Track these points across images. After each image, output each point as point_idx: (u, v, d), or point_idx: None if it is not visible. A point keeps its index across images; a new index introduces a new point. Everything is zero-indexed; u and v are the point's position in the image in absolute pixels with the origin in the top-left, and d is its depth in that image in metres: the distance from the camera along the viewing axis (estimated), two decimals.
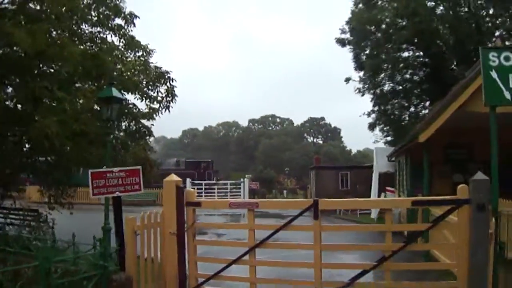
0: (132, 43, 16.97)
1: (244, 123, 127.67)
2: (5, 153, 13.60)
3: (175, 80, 16.98)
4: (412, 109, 39.47)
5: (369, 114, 40.88)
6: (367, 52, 37.98)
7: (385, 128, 41.16)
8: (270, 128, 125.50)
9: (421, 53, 36.22)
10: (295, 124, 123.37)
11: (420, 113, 39.00)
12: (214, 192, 46.76)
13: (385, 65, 36.66)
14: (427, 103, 38.51)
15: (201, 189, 46.42)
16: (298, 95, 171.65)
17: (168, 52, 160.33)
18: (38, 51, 12.38)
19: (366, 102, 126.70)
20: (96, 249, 7.97)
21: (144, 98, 16.69)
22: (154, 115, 17.27)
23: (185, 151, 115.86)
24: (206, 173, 55.01)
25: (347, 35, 39.70)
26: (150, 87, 16.74)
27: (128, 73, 16.12)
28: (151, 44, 17.32)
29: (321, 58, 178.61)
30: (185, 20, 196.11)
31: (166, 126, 73.74)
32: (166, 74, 16.89)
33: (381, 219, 25.33)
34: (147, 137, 17.55)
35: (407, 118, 39.29)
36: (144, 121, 17.37)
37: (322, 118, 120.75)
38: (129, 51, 17.23)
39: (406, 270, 8.19)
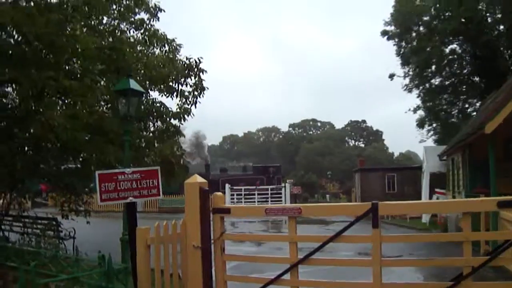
0: (156, 37, 15.54)
1: (284, 128, 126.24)
2: (8, 156, 12.15)
3: (206, 72, 15.44)
4: (460, 105, 37.31)
5: (415, 111, 39.19)
6: (413, 44, 35.91)
7: (433, 125, 39.13)
8: (311, 132, 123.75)
9: (469, 44, 33.84)
10: (336, 128, 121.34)
11: (468, 110, 37.00)
12: (254, 198, 45.14)
13: (432, 59, 34.53)
14: (475, 100, 36.55)
15: (241, 194, 45.05)
16: (338, 99, 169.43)
17: (207, 61, 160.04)
18: (46, 41, 11.02)
19: (408, 103, 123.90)
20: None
21: (170, 93, 15.18)
22: (186, 116, 15.77)
23: (226, 158, 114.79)
24: (276, 178, 53.02)
25: (392, 27, 38.03)
26: (178, 79, 15.20)
27: (153, 65, 14.60)
28: (191, 51, 15.87)
29: (360, 62, 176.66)
30: (221, 29, 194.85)
31: (206, 133, 72.83)
32: (195, 64, 15.31)
33: (433, 223, 23.36)
34: (176, 137, 16.03)
35: (455, 115, 37.21)
36: (175, 122, 15.90)
37: (364, 121, 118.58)
38: (155, 45, 15.81)
39: None
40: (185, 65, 15.22)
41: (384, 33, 38.28)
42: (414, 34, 35.88)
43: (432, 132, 39.96)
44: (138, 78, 13.62)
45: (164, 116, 15.61)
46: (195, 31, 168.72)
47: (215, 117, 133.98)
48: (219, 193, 7.39)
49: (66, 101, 12.86)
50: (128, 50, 13.87)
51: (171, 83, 15.08)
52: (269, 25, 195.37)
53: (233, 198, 44.50)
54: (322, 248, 6.43)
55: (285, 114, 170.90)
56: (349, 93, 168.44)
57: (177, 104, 15.73)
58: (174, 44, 15.96)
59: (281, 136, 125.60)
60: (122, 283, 6.87)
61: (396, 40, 37.44)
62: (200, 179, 7.24)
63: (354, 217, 6.32)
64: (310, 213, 6.87)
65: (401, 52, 37.09)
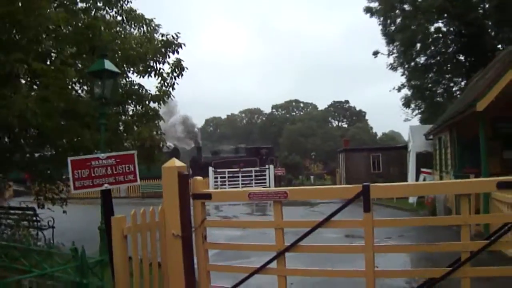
0: (132, 16, 14.95)
1: (267, 109, 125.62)
2: None
3: (184, 45, 14.84)
4: (445, 84, 36.98)
5: (399, 89, 38.80)
6: (397, 22, 35.41)
7: (417, 104, 38.78)
8: (294, 113, 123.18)
9: (455, 22, 33.32)
10: (319, 109, 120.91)
11: (453, 88, 36.73)
12: (238, 181, 44.77)
13: (417, 37, 34.09)
14: (460, 79, 36.26)
15: (224, 177, 44.60)
16: (321, 80, 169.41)
17: (190, 43, 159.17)
18: (11, 20, 10.43)
19: (392, 83, 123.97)
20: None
21: (148, 73, 14.62)
22: (165, 98, 15.25)
23: (209, 140, 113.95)
24: (269, 159, 52.05)
25: (375, 4, 37.31)
26: (156, 58, 14.62)
27: (130, 45, 14.00)
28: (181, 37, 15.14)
29: (344, 45, 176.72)
30: (206, 12, 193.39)
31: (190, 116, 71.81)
32: (174, 41, 14.72)
33: (421, 204, 23.09)
34: (156, 121, 15.46)
35: (440, 94, 36.90)
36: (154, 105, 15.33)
37: (347, 102, 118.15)
38: (132, 25, 15.21)
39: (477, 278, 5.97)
40: (163, 42, 14.60)
41: (367, 10, 37.54)
42: (398, 11, 35.31)
43: (417, 111, 39.61)
44: (115, 59, 13.03)
45: (143, 98, 15.07)
46: (179, 13, 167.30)
47: (198, 99, 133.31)
48: (199, 177, 6.90)
49: (36, 84, 12.23)
50: (103, 28, 13.26)
51: (148, 62, 14.51)
52: (254, 9, 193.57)
53: (216, 181, 44.04)
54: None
55: (268, 96, 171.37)
56: (332, 74, 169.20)
57: (156, 87, 15.21)
58: (153, 25, 15.36)
59: (264, 118, 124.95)
60: (98, 277, 6.41)
61: (381, 18, 36.79)
62: (178, 162, 6.78)
63: (341, 199, 5.92)
64: (296, 197, 6.44)
65: (386, 30, 36.53)
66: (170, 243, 6.61)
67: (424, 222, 7.62)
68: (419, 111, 39.36)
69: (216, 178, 44.07)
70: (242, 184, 44.18)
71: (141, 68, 14.47)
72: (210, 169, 43.75)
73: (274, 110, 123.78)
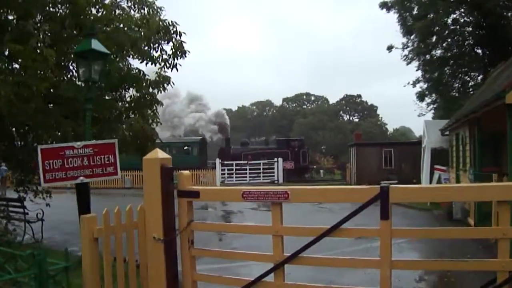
0: None
1: (278, 102, 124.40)
2: None
3: (185, 34, 13.76)
4: (462, 78, 35.63)
5: (414, 84, 37.51)
6: (415, 13, 34.10)
7: (433, 99, 37.51)
8: (305, 106, 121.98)
9: (474, 13, 31.96)
10: (330, 103, 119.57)
11: (470, 83, 35.42)
12: (246, 173, 43.78)
13: (435, 28, 32.84)
14: (477, 74, 35.02)
15: (232, 170, 43.63)
16: (333, 74, 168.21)
17: (204, 38, 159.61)
18: None
19: (405, 78, 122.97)
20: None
21: (144, 59, 13.53)
22: (166, 85, 14.20)
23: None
24: (301, 152, 50.27)
25: None
26: (152, 44, 13.52)
27: (124, 29, 12.90)
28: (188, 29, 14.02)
29: (356, 40, 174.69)
30: (220, 6, 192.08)
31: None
32: (172, 28, 13.61)
33: (435, 204, 21.96)
34: (154, 108, 14.37)
35: (456, 88, 35.62)
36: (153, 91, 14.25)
37: (359, 96, 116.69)
38: (132, 8, 14.09)
39: None
40: (160, 27, 13.47)
41: (383, 5, 36.30)
42: (415, 3, 34.02)
43: (431, 106, 38.36)
44: (109, 41, 11.98)
45: (143, 84, 14.02)
46: (194, 8, 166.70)
47: (210, 92, 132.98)
48: (186, 172, 5.87)
49: (12, 68, 11.16)
50: (96, 7, 12.22)
51: (146, 48, 13.44)
52: (268, 3, 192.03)
53: (223, 173, 43.08)
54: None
55: (280, 89, 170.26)
56: (345, 69, 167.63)
57: (156, 72, 14.16)
58: (155, 7, 14.27)
59: (275, 111, 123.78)
60: (61, 285, 5.41)
61: (397, 8, 35.44)
62: (162, 154, 5.77)
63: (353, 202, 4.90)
64: (300, 198, 5.38)
65: (402, 20, 35.17)
66: (151, 248, 5.66)
67: (456, 234, 6.14)
68: (434, 106, 38.10)
69: (223, 170, 43.08)
70: (250, 176, 43.24)
71: (134, 53, 13.36)
72: (217, 161, 42.78)
73: (285, 103, 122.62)
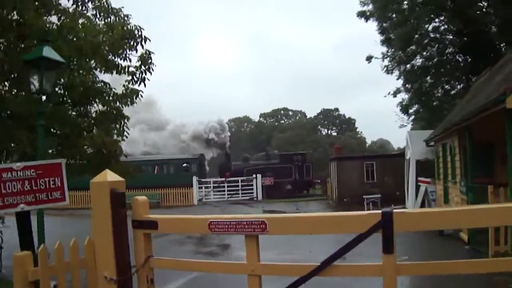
0: (97, 6, 12.79)
1: (255, 118, 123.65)
2: None
3: (149, 40, 12.71)
4: (444, 86, 34.94)
5: (395, 94, 36.72)
6: (394, 20, 33.36)
7: (416, 108, 36.70)
8: (283, 121, 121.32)
9: (455, 20, 31.18)
10: (308, 117, 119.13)
11: (452, 92, 34.74)
12: (224, 191, 42.73)
13: (416, 35, 32.16)
14: (457, 83, 34.43)
15: (209, 187, 42.49)
16: (310, 89, 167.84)
17: (181, 52, 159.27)
18: None
19: (382, 91, 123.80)
20: None
21: (108, 69, 12.47)
22: (134, 98, 13.17)
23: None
24: (304, 166, 48.96)
25: (369, 7, 35.23)
26: (117, 52, 12.44)
27: (86, 36, 11.79)
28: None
29: (333, 55, 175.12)
30: (196, 21, 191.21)
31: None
32: (137, 32, 12.57)
33: None
34: (122, 123, 13.26)
35: (438, 97, 34.90)
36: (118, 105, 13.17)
37: (336, 109, 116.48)
38: (97, 16, 13.03)
39: None
40: (126, 32, 12.39)
41: (361, 14, 35.49)
42: (395, 6, 33.32)
43: (413, 117, 37.42)
44: (68, 48, 10.93)
45: (109, 98, 12.95)
46: (169, 22, 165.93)
47: (188, 108, 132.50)
48: (141, 198, 4.83)
49: None
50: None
51: (110, 56, 12.39)
52: (244, 19, 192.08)
53: (201, 191, 41.86)
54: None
55: (256, 104, 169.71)
56: (322, 84, 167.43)
57: (124, 85, 13.12)
58: (122, 14, 13.21)
59: (252, 126, 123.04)
60: None
61: (376, 16, 34.63)
62: (112, 176, 4.72)
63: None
64: (281, 230, 4.38)
65: (382, 29, 34.41)
66: None
67: (478, 268, 4.65)
68: (417, 115, 37.24)
69: (200, 187, 41.87)
70: (228, 193, 42.10)
71: (97, 62, 12.28)
72: (194, 178, 41.52)
73: (262, 118, 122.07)
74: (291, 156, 51.00)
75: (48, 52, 8.08)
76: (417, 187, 23.17)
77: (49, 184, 5.73)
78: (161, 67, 13.00)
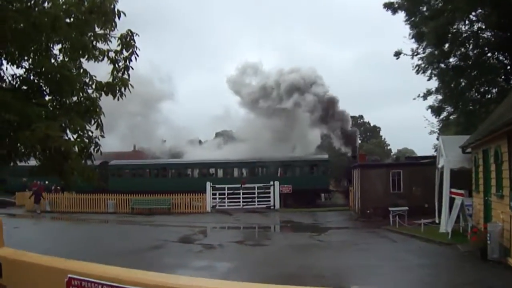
0: None
1: None
2: None
3: (124, 15, 10.13)
4: (482, 88, 31.89)
5: (425, 97, 33.68)
6: (425, 14, 30.58)
7: (448, 112, 33.70)
8: None
9: (493, 13, 27.95)
10: None
11: (487, 96, 31.69)
12: (239, 198, 40.14)
13: (452, 27, 29.27)
14: (491, 87, 31.46)
15: (224, 194, 39.80)
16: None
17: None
18: None
19: (407, 104, 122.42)
20: None
21: (74, 50, 9.95)
22: (123, 89, 10.60)
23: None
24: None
25: None
26: (81, 31, 9.88)
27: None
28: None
29: (356, 71, 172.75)
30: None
31: None
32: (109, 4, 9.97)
33: (458, 235, 18.37)
34: (95, 115, 10.70)
35: (474, 100, 31.80)
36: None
37: (361, 117, 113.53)
38: None
39: None
40: (93, 4, 9.77)
41: (388, 5, 32.58)
42: (425, 6, 30.58)
43: (447, 120, 34.26)
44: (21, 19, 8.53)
45: (84, 86, 10.45)
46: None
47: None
48: None
49: None
50: None
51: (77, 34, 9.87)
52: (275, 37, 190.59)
53: (215, 198, 39.21)
54: None
55: None
56: (347, 93, 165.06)
57: (111, 74, 10.56)
58: None
59: None
60: None
61: (405, 7, 31.83)
62: None
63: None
64: None
65: (411, 22, 31.65)
66: None
67: None
68: (450, 119, 34.07)
69: (214, 194, 39.18)
70: (243, 201, 39.48)
71: (59, 39, 9.76)
72: (208, 184, 38.91)
73: None
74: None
75: None
76: (451, 200, 20.33)
77: None
78: None
